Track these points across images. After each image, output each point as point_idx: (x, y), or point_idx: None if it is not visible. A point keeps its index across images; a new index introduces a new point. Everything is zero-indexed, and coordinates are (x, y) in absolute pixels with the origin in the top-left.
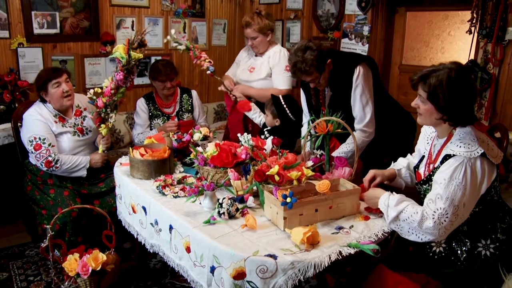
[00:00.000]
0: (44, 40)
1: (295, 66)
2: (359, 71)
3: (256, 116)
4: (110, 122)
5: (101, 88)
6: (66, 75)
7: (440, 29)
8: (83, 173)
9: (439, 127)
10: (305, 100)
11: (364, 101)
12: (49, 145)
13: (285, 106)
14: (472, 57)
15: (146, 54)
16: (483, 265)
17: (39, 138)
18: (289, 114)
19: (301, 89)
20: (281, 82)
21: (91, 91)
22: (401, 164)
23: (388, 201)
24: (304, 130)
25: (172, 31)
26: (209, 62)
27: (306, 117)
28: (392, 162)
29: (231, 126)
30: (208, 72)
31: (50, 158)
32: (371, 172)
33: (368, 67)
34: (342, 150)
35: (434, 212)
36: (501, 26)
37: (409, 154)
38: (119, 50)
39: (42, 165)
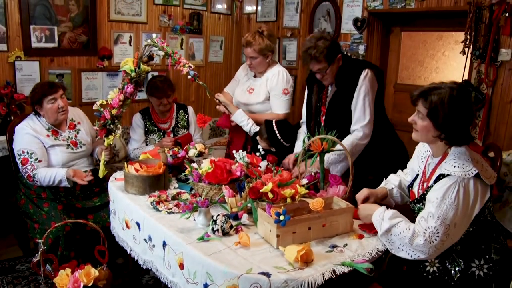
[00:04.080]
0: (42, 53)
1: (306, 52)
2: (367, 73)
3: (244, 124)
4: (117, 133)
5: (106, 100)
6: (62, 91)
7: (435, 49)
8: (67, 184)
9: (434, 145)
10: (306, 99)
11: (366, 103)
12: (36, 160)
13: (277, 133)
14: (466, 77)
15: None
16: (477, 285)
17: (27, 152)
18: (282, 141)
19: (306, 88)
20: (279, 106)
21: (97, 102)
22: (393, 183)
23: (383, 215)
24: (297, 145)
25: (154, 35)
26: (189, 66)
27: (304, 124)
28: (384, 178)
29: (234, 146)
30: (189, 77)
31: (31, 173)
32: (365, 191)
33: (375, 76)
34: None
35: (425, 230)
36: (494, 48)
37: (400, 171)
38: (129, 64)
39: (27, 179)
